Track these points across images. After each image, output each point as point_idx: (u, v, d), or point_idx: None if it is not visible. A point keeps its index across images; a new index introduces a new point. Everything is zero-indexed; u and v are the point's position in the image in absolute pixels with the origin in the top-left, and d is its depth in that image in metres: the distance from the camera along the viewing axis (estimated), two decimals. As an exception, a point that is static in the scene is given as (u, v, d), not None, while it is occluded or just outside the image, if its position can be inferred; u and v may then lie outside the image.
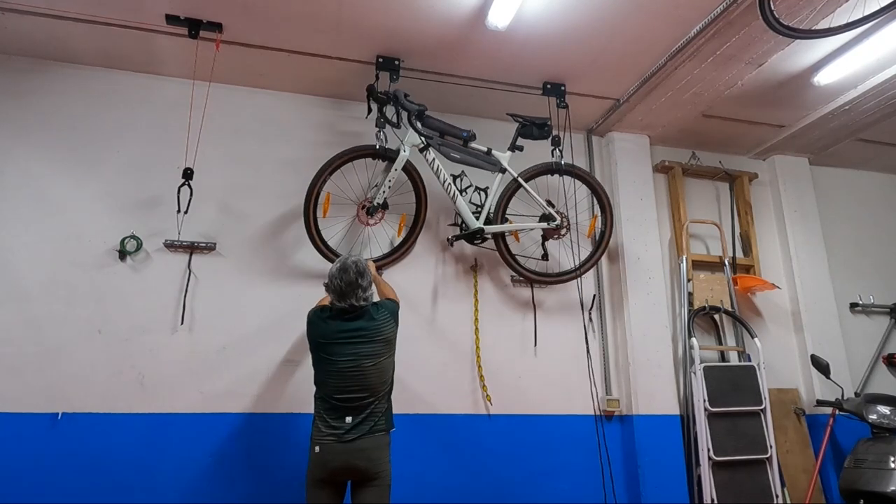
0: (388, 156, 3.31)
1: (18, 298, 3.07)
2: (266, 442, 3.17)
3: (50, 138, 3.34)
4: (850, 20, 2.72)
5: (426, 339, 3.55)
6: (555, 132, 3.66)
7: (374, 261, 3.33)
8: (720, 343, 4.15)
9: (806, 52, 3.45)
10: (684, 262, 4.14)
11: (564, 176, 3.74)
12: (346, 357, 2.54)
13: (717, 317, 4.16)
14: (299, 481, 3.13)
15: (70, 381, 3.02)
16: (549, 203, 3.63)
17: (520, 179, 3.54)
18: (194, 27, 3.09)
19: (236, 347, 3.27)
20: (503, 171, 3.52)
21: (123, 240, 3.23)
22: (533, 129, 3.54)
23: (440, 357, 3.55)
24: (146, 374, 3.12)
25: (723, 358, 4.10)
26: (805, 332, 4.24)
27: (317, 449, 2.49)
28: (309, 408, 3.27)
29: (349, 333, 2.58)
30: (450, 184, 3.40)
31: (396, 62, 3.42)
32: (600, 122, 4.14)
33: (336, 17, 3.06)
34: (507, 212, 3.62)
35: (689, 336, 3.87)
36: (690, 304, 4.06)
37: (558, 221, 3.59)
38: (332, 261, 3.01)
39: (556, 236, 3.67)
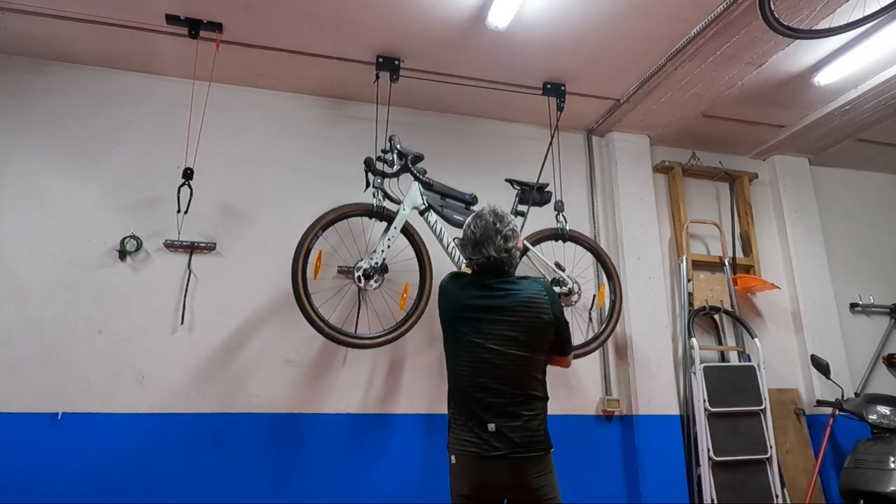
0: (386, 215, 3.04)
1: (18, 298, 3.07)
2: (266, 442, 3.17)
3: (50, 138, 3.33)
4: (850, 20, 2.72)
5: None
6: (558, 198, 3.53)
7: (373, 338, 3.02)
8: (720, 343, 4.15)
9: (806, 53, 3.45)
10: (684, 262, 4.14)
11: (569, 242, 3.51)
12: (484, 336, 2.01)
13: (717, 317, 4.16)
14: (298, 480, 3.15)
15: (70, 381, 3.02)
16: (559, 266, 3.40)
17: (526, 243, 3.28)
18: (194, 27, 3.09)
19: (236, 347, 3.27)
20: None
21: (123, 240, 3.23)
22: (533, 193, 3.36)
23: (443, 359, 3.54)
24: (146, 374, 3.12)
25: (723, 358, 4.10)
26: (805, 332, 4.24)
27: (452, 459, 2.02)
28: (305, 407, 3.29)
29: (490, 302, 2.04)
30: (454, 248, 3.12)
31: (396, 62, 3.42)
32: (600, 122, 4.14)
33: (336, 16, 3.06)
34: None
35: (689, 336, 3.87)
36: (690, 304, 4.06)
37: (570, 286, 3.33)
38: (323, 332, 2.86)
39: (566, 304, 3.31)
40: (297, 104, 3.78)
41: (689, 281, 4.10)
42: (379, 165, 3.11)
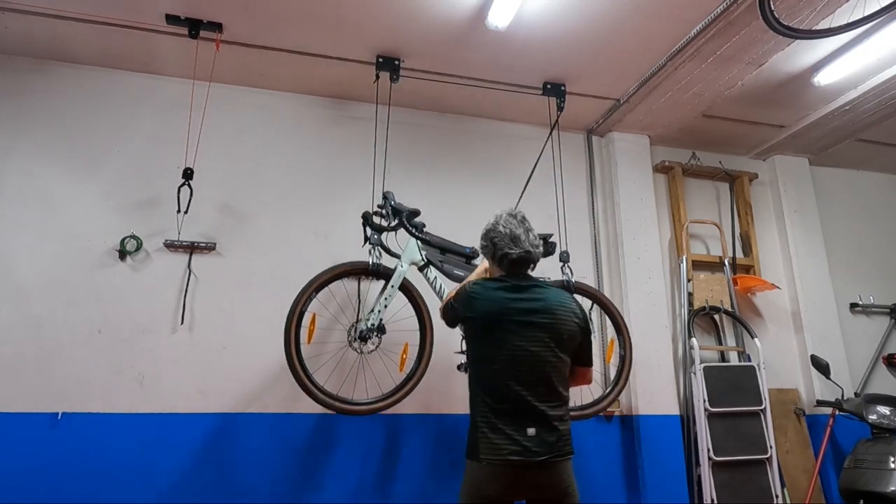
0: (383, 273, 2.90)
1: (18, 298, 3.07)
2: (266, 442, 3.17)
3: (50, 138, 3.33)
4: (850, 20, 2.72)
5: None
6: (557, 239, 3.40)
7: (371, 404, 2.85)
8: (720, 343, 4.15)
9: (806, 53, 3.45)
10: (684, 262, 4.14)
11: (575, 295, 3.30)
12: (525, 339, 2.03)
13: (717, 317, 4.16)
14: (298, 480, 3.15)
15: (70, 381, 3.02)
16: None
17: None
18: (194, 27, 3.09)
19: (236, 347, 3.27)
20: None
21: (123, 240, 3.23)
22: None
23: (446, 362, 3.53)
24: (146, 374, 3.12)
25: (723, 358, 4.10)
26: (805, 332, 4.24)
27: (485, 464, 1.96)
28: (304, 408, 3.29)
29: (529, 305, 2.07)
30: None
31: (396, 62, 3.42)
32: (600, 122, 4.14)
33: (336, 16, 3.06)
34: None
35: (689, 336, 3.87)
36: (690, 304, 4.06)
37: None
38: (319, 400, 2.72)
39: None
40: (297, 104, 3.78)
41: (689, 281, 4.10)
42: (376, 219, 2.98)
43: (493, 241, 2.19)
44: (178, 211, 3.15)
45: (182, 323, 3.23)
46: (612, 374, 3.38)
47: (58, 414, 2.96)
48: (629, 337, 3.35)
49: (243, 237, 3.46)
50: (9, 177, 3.22)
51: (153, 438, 3.03)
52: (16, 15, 3.05)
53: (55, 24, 3.12)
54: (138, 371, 3.12)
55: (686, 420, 3.78)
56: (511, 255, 2.14)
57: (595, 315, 3.74)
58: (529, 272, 2.22)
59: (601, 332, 3.87)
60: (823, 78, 3.63)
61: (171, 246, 3.30)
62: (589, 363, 2.24)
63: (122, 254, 3.24)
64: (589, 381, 2.33)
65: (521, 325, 2.04)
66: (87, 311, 3.13)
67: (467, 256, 3.08)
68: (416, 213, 2.99)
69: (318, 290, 2.83)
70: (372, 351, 2.89)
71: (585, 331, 2.17)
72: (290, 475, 3.15)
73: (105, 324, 3.14)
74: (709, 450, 3.53)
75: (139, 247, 3.25)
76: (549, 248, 3.22)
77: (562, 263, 3.36)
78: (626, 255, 3.99)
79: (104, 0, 2.95)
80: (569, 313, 2.12)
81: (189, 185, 3.15)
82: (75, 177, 3.32)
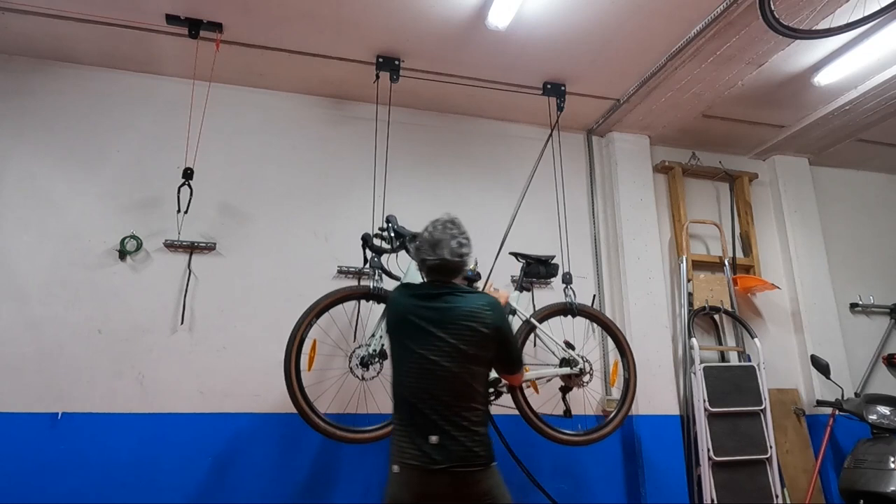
0: (384, 297, 2.82)
1: (18, 298, 3.07)
2: (266, 442, 3.17)
3: (50, 138, 3.34)
4: (850, 20, 2.72)
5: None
6: (562, 272, 3.35)
7: (371, 431, 2.76)
8: (720, 343, 4.15)
9: (806, 53, 3.45)
10: (684, 262, 4.14)
11: (578, 317, 3.29)
12: (426, 347, 2.01)
13: (717, 317, 4.16)
14: (298, 480, 3.15)
15: (70, 381, 3.02)
16: (569, 345, 3.18)
17: (533, 321, 3.09)
18: (194, 27, 3.10)
19: (236, 347, 3.27)
20: (513, 312, 3.07)
21: (123, 240, 3.23)
22: (539, 267, 3.23)
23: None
24: (146, 374, 3.12)
25: (723, 358, 4.10)
26: (805, 332, 4.25)
27: (395, 469, 1.99)
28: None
29: (434, 314, 2.04)
30: None
31: (396, 62, 3.42)
32: (600, 122, 4.14)
33: (336, 16, 3.06)
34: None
35: (689, 336, 3.88)
36: (690, 304, 4.06)
37: (581, 366, 3.10)
38: (320, 429, 2.64)
39: (578, 384, 3.12)
40: (297, 104, 3.78)
41: (689, 281, 4.10)
42: (376, 241, 2.95)
43: (417, 247, 2.19)
44: (178, 211, 3.15)
45: (182, 323, 3.23)
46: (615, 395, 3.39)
47: (58, 414, 2.96)
48: (633, 359, 3.30)
49: (243, 237, 3.46)
50: (9, 177, 3.23)
51: (153, 438, 3.03)
52: (16, 15, 3.05)
53: (55, 24, 3.12)
54: (138, 371, 3.12)
55: (686, 420, 3.78)
56: (428, 261, 2.13)
57: (598, 337, 3.80)
58: (457, 280, 2.18)
59: (603, 356, 3.82)
60: (823, 78, 3.63)
61: (171, 246, 3.30)
62: (511, 370, 2.24)
63: (122, 254, 3.24)
64: (517, 383, 2.36)
65: (424, 334, 2.03)
66: (87, 311, 3.13)
67: (469, 279, 3.01)
68: (417, 236, 2.96)
69: (318, 315, 2.76)
70: (374, 377, 2.82)
71: (500, 339, 2.11)
72: (291, 475, 3.15)
73: (105, 324, 3.14)
74: (709, 450, 3.53)
75: (139, 247, 3.25)
76: (551, 270, 3.24)
77: (564, 285, 3.33)
78: (626, 255, 3.99)
79: (104, 0, 2.95)
80: (478, 323, 2.04)
81: (189, 185, 3.15)
82: (75, 177, 3.32)
